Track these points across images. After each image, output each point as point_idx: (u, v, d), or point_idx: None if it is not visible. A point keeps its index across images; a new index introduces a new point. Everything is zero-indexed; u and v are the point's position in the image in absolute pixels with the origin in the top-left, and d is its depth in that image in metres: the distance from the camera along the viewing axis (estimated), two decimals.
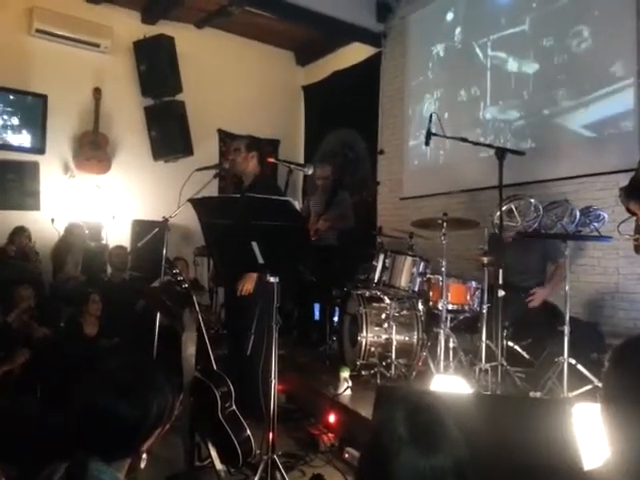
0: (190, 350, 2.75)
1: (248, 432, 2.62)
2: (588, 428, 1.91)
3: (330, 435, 3.18)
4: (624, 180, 4.06)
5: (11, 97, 5.79)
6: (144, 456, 1.29)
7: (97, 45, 6.09)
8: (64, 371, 2.96)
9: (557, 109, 4.58)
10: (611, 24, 4.25)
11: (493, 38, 5.07)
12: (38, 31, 5.77)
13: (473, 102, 5.28)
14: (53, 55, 5.91)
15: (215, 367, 2.75)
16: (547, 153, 4.62)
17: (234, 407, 2.66)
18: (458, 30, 5.50)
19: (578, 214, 3.48)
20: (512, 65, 4.90)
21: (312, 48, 7.38)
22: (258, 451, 2.59)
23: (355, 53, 6.77)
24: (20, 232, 5.06)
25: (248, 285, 3.30)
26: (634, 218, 3.09)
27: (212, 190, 5.00)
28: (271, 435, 2.37)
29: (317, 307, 5.05)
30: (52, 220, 5.71)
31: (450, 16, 5.59)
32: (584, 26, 4.37)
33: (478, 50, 5.21)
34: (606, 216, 3.55)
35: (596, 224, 3.50)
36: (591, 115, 4.36)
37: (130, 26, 6.34)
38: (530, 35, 4.76)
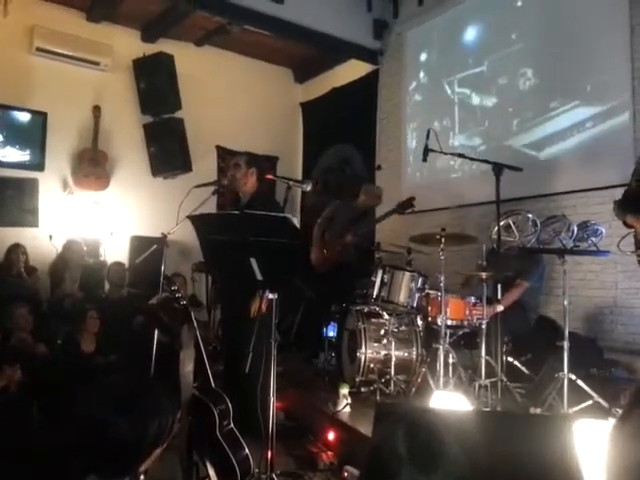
0: (188, 367, 2.73)
1: (246, 450, 2.60)
2: (590, 445, 1.90)
3: (329, 453, 3.15)
4: (621, 194, 4.08)
5: (10, 114, 5.82)
6: (142, 477, 1.28)
7: (97, 63, 6.15)
8: (61, 389, 2.94)
9: (510, 134, 5.12)
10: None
11: (459, 77, 5.62)
12: (38, 49, 5.83)
13: (444, 132, 5.63)
14: (53, 73, 5.97)
15: (213, 384, 2.73)
16: (543, 169, 4.67)
17: (232, 425, 2.64)
18: (430, 69, 6.01)
19: (576, 229, 3.49)
20: (475, 99, 5.50)
21: (310, 65, 7.46)
22: (256, 470, 2.56)
23: (352, 70, 6.84)
24: (15, 249, 5.06)
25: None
26: (632, 233, 3.10)
27: (211, 206, 5.01)
28: (270, 453, 2.35)
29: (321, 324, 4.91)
30: (50, 237, 5.71)
31: (424, 57, 6.08)
32: (528, 68, 4.96)
33: (447, 87, 5.74)
34: (604, 230, 3.57)
35: (594, 239, 3.51)
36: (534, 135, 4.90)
37: (130, 44, 6.40)
38: (487, 75, 5.35)
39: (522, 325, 3.86)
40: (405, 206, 4.37)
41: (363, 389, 3.78)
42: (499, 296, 3.38)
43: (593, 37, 4.45)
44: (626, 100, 4.20)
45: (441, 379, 3.42)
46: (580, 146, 4.53)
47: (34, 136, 5.89)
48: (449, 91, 5.73)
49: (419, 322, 3.97)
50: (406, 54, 6.23)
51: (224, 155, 6.93)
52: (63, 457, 1.27)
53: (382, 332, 3.91)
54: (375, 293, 3.79)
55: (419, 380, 3.74)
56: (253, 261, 2.33)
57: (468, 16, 5.55)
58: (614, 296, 4.18)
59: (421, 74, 6.11)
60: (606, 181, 4.22)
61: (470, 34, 5.56)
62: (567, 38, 4.65)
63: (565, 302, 3.24)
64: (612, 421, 1.10)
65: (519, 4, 5.11)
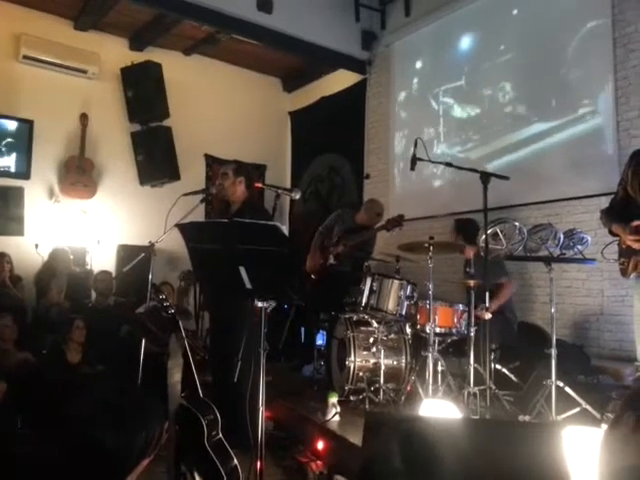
0: (176, 377, 2.71)
1: (235, 461, 2.57)
2: (579, 452, 1.90)
3: (319, 463, 3.13)
4: (606, 203, 4.14)
5: None
6: None
7: (84, 71, 6.13)
8: (46, 401, 2.89)
9: (492, 143, 5.23)
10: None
11: (443, 89, 5.74)
12: (25, 57, 5.80)
13: (429, 141, 5.71)
14: (40, 81, 5.93)
15: (201, 394, 2.71)
16: (528, 177, 4.72)
17: (221, 435, 2.61)
18: (417, 80, 6.09)
19: (562, 237, 3.52)
20: (457, 110, 5.63)
21: (298, 75, 7.50)
22: None
23: (341, 80, 6.89)
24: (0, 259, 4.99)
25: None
26: (616, 241, 3.14)
27: (199, 215, 4.99)
28: (259, 464, 2.32)
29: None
30: (36, 245, 5.65)
31: (410, 68, 6.16)
32: (507, 83, 5.12)
33: (431, 97, 5.87)
34: (589, 239, 3.60)
35: (580, 247, 3.54)
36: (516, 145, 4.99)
37: (118, 53, 6.40)
38: (465, 88, 5.53)
39: (506, 328, 3.88)
40: (393, 224, 4.38)
41: (352, 398, 3.76)
42: (487, 303, 3.40)
43: (576, 48, 4.54)
44: (610, 110, 4.27)
45: (430, 387, 3.42)
46: (565, 156, 4.59)
47: (20, 144, 5.84)
48: (433, 102, 5.82)
49: (408, 330, 3.98)
50: (393, 65, 6.30)
51: (212, 163, 6.93)
52: (47, 473, 1.24)
53: (371, 340, 3.90)
54: (364, 301, 3.79)
55: (408, 388, 3.74)
56: (242, 269, 2.31)
57: (453, 28, 5.65)
58: (600, 304, 4.22)
59: (408, 84, 6.18)
60: (590, 190, 4.28)
61: (455, 46, 5.66)
62: (550, 49, 4.73)
63: (552, 310, 3.26)
64: (603, 428, 1.11)
65: (505, 17, 5.19)
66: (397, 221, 4.35)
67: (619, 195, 3.07)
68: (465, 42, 5.58)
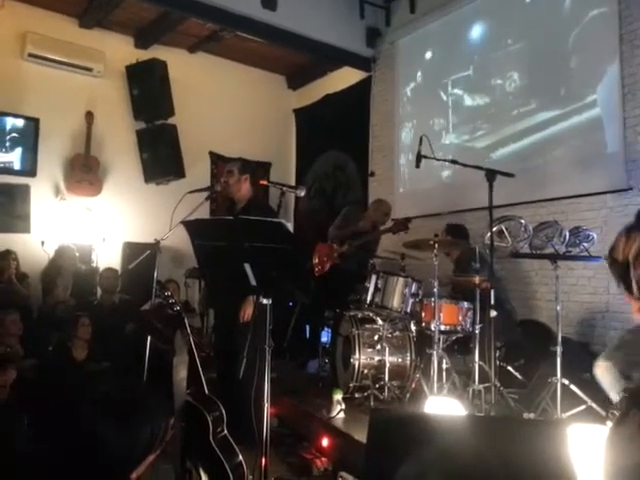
0: (181, 374, 2.71)
1: (240, 457, 2.58)
2: (584, 450, 1.90)
3: (323, 459, 3.14)
4: (611, 200, 4.13)
5: (2, 120, 5.78)
6: None
7: (90, 69, 6.15)
8: (52, 399, 2.91)
9: (501, 139, 5.16)
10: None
11: (452, 79, 5.67)
12: (31, 55, 5.82)
13: (438, 132, 5.72)
14: (46, 79, 5.95)
15: (206, 391, 2.72)
16: (533, 175, 4.70)
17: (226, 432, 2.62)
18: (423, 74, 6.05)
19: (567, 234, 3.51)
20: (466, 100, 5.57)
21: (303, 72, 7.49)
22: (250, 477, 2.55)
23: (345, 77, 6.87)
24: (6, 255, 5.01)
25: (249, 310, 3.26)
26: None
27: (204, 212, 5.01)
28: (263, 460, 2.33)
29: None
30: (42, 243, 5.68)
31: (416, 63, 6.11)
32: (516, 72, 5.06)
33: (440, 90, 5.78)
34: (595, 236, 3.59)
35: (585, 244, 3.53)
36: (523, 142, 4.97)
37: (123, 51, 6.41)
38: (473, 77, 5.48)
39: (507, 322, 3.87)
40: (399, 227, 4.40)
41: (357, 395, 3.77)
42: (492, 301, 3.39)
43: (584, 45, 4.50)
44: (616, 107, 4.24)
45: (435, 384, 3.42)
46: (570, 152, 4.56)
47: (26, 142, 5.86)
48: (442, 92, 5.77)
49: (413, 327, 3.98)
50: (398, 62, 6.27)
51: (217, 161, 6.94)
52: (53, 471, 1.25)
53: (376, 338, 3.91)
54: (369, 299, 3.80)
55: (413, 386, 3.74)
56: (247, 267, 2.32)
57: (459, 24, 5.60)
58: (606, 301, 4.20)
59: (415, 77, 6.13)
60: (596, 187, 4.25)
61: (463, 38, 5.60)
62: (558, 46, 4.70)
63: (558, 307, 3.25)
64: (609, 425, 1.11)
65: (515, 6, 5.10)
66: (403, 225, 4.38)
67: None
68: (474, 33, 5.51)
